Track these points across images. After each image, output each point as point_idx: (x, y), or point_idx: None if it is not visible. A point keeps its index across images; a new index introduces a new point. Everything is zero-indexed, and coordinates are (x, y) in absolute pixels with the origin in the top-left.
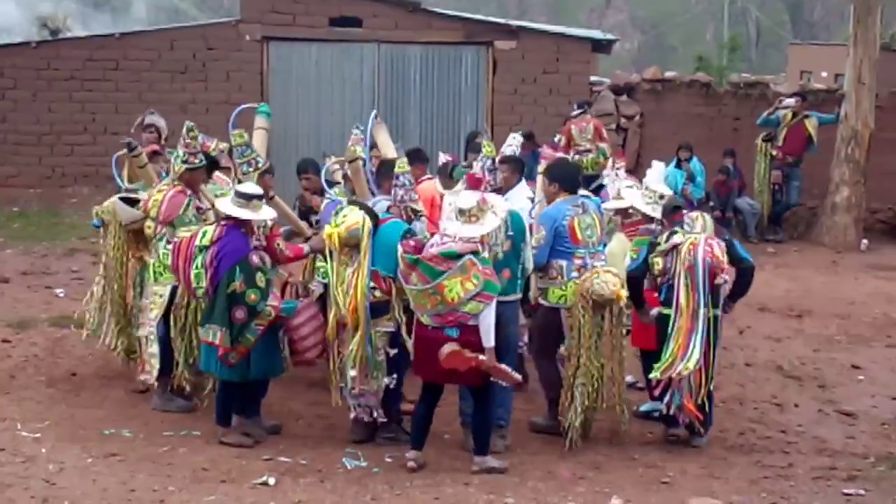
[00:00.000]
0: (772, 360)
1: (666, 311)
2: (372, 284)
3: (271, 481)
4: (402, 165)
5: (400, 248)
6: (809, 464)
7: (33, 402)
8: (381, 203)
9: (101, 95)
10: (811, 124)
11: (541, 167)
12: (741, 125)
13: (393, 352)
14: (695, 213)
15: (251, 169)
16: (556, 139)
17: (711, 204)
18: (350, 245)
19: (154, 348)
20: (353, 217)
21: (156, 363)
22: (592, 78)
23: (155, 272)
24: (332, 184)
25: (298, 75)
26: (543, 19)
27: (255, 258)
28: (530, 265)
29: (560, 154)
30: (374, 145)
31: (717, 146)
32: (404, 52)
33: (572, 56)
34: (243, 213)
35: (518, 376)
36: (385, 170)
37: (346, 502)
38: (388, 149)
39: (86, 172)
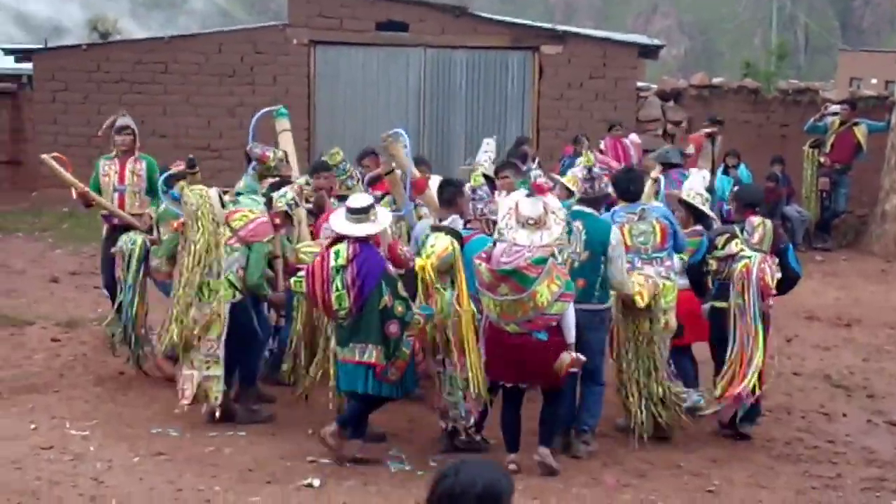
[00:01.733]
0: (820, 369)
1: (718, 305)
2: (475, 308)
3: (316, 483)
4: (477, 179)
5: (481, 262)
6: (858, 475)
7: (81, 400)
8: (456, 222)
9: (149, 98)
10: (860, 132)
11: None
12: (789, 132)
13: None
14: (757, 220)
15: (355, 182)
16: (600, 146)
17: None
18: (443, 271)
19: (216, 370)
20: (441, 244)
21: (219, 385)
22: (639, 83)
23: (210, 290)
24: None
25: (345, 79)
26: (590, 24)
27: (391, 269)
28: (621, 276)
29: (611, 161)
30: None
31: (765, 153)
32: (450, 57)
33: (619, 61)
34: (359, 230)
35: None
36: (450, 189)
37: None
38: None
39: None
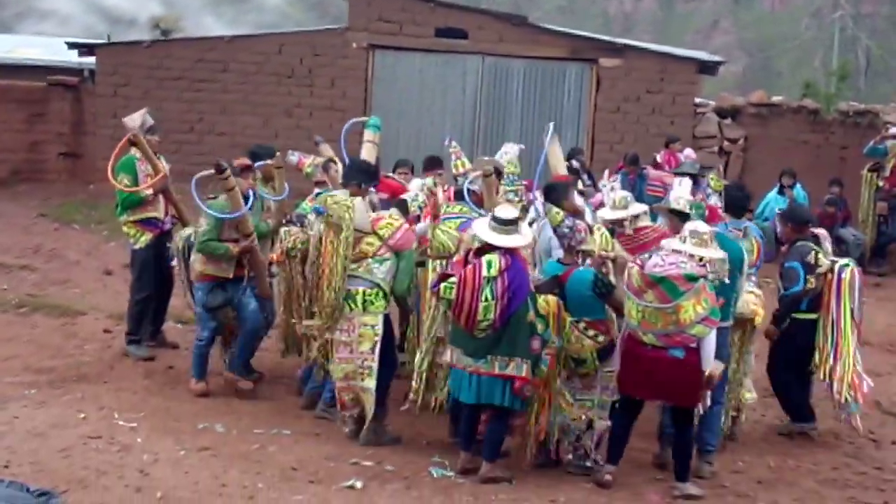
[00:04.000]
0: (870, 395)
1: (811, 317)
2: (593, 332)
3: (358, 485)
4: (558, 216)
5: (633, 266)
6: None
7: (130, 392)
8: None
9: (208, 96)
10: None
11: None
12: (848, 154)
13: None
14: (823, 231)
15: (517, 198)
16: (657, 158)
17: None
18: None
19: (370, 383)
20: (551, 303)
21: (372, 399)
22: (697, 99)
23: (365, 300)
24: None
25: (402, 84)
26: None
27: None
28: (742, 293)
29: (665, 175)
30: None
31: (823, 174)
32: (508, 66)
33: (678, 76)
34: (508, 241)
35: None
36: (558, 190)
37: None
38: (561, 165)
39: (190, 171)
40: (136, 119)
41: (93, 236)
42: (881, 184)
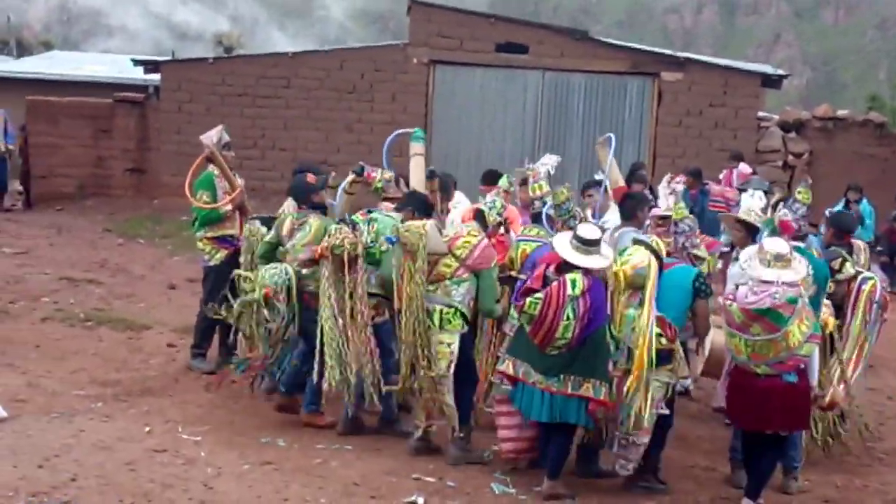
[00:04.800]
0: None
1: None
2: (657, 331)
3: (420, 501)
4: (680, 212)
5: (731, 302)
6: None
7: (195, 405)
8: (627, 234)
9: (271, 112)
10: None
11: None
12: None
13: (665, 411)
14: (861, 243)
15: (577, 222)
16: (720, 176)
17: (879, 248)
18: (635, 286)
19: (449, 399)
20: (639, 256)
21: (453, 414)
22: (760, 113)
23: (442, 318)
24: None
25: (462, 99)
26: (708, 52)
27: None
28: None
29: (727, 190)
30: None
31: (890, 188)
32: (569, 80)
33: (740, 90)
34: (591, 262)
35: None
36: (634, 201)
37: None
38: (620, 177)
39: (253, 186)
40: (212, 136)
41: (157, 251)
42: None
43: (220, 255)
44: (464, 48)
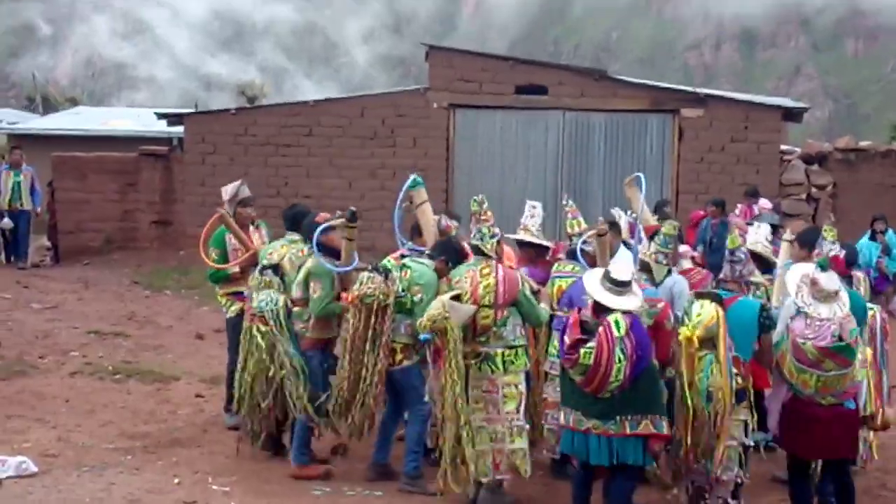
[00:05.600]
0: None
1: None
2: (734, 370)
3: None
4: (735, 240)
5: (805, 341)
6: None
7: (223, 455)
8: (682, 285)
9: (293, 160)
10: None
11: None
12: None
13: (751, 442)
14: (861, 274)
15: (665, 261)
16: (736, 211)
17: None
18: (706, 339)
19: (520, 443)
20: (708, 312)
21: (525, 459)
22: (783, 147)
23: (505, 360)
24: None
25: (483, 142)
26: (729, 87)
27: None
28: None
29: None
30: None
31: None
32: (589, 120)
33: (762, 124)
34: (624, 303)
35: None
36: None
37: None
38: (649, 215)
39: (278, 234)
40: (228, 191)
41: (184, 301)
42: None
43: (236, 307)
44: (483, 91)
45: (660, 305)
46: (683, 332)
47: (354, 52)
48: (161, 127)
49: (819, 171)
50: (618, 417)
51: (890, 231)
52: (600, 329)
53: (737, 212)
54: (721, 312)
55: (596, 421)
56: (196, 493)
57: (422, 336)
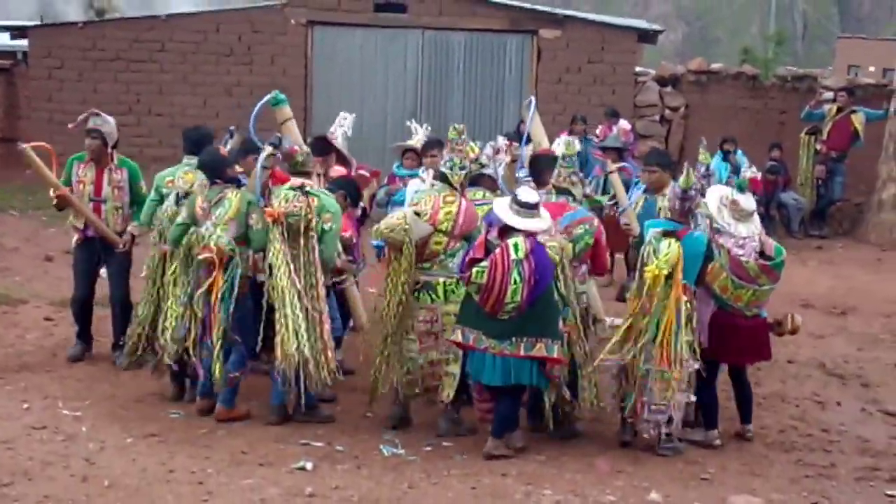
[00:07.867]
0: (814, 357)
1: None
2: (685, 298)
3: (308, 466)
4: (690, 179)
5: (748, 260)
6: (851, 464)
7: (74, 380)
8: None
9: (145, 77)
10: (858, 119)
11: None
12: (787, 119)
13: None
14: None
15: (577, 179)
16: (597, 131)
17: (756, 198)
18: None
19: (455, 368)
20: (674, 251)
21: (455, 383)
22: (637, 68)
23: (446, 290)
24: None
25: (342, 60)
26: (588, 8)
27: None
28: None
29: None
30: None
31: (763, 140)
32: (448, 39)
33: (617, 46)
34: (531, 225)
35: None
36: (543, 163)
37: (382, 489)
38: (544, 139)
39: (129, 153)
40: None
41: (31, 222)
42: (819, 147)
43: (75, 238)
44: (342, 8)
45: (595, 223)
46: (651, 269)
47: None
48: (4, 40)
49: (672, 92)
50: (514, 339)
51: (739, 152)
52: (497, 251)
53: (597, 132)
54: (681, 249)
55: (493, 341)
56: (46, 418)
57: (374, 242)
